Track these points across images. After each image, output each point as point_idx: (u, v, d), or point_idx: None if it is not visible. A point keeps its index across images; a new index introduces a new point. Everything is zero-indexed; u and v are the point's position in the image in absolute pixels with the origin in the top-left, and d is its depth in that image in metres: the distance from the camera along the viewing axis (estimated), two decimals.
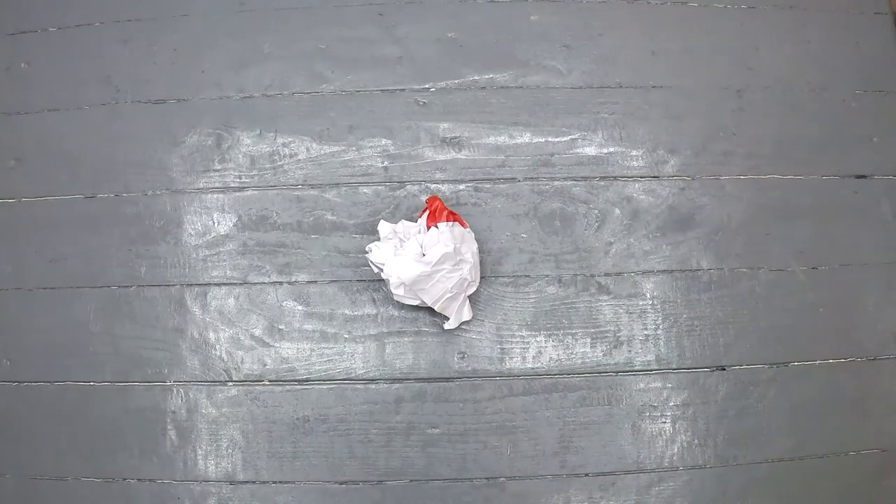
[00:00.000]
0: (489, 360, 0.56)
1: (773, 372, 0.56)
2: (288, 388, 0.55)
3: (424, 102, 0.59)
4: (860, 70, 0.61)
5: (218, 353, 0.56)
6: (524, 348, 0.56)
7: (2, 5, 0.62)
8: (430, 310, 0.55)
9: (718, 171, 0.59)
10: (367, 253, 0.55)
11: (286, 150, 0.59)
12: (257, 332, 0.56)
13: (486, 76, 0.60)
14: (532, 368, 0.56)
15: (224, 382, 0.55)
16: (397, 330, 0.56)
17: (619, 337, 0.57)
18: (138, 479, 0.54)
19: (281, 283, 0.57)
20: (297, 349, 0.56)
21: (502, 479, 0.55)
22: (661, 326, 0.57)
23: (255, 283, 0.57)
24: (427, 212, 0.54)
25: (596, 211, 0.58)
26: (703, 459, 0.55)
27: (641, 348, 0.56)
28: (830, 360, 0.57)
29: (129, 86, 0.60)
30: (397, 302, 0.55)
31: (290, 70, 0.60)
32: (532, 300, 0.57)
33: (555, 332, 0.56)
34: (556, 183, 0.59)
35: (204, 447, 0.55)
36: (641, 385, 0.56)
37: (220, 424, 0.55)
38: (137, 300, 0.57)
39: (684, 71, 0.61)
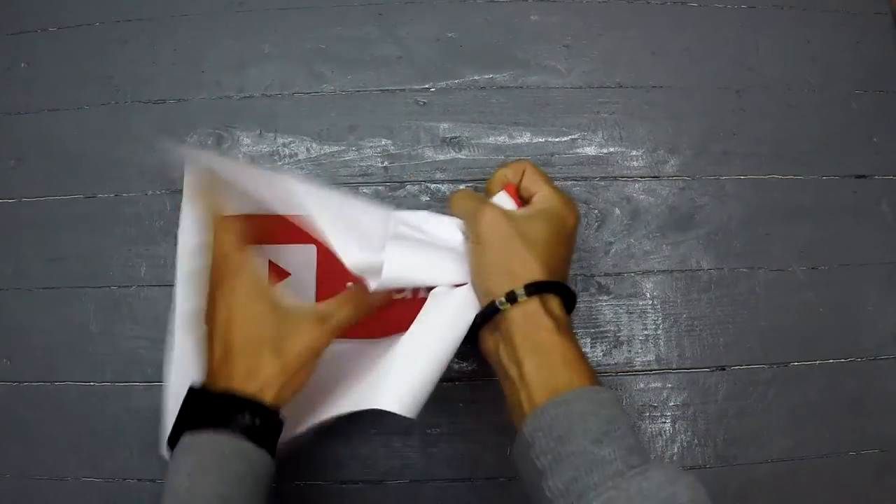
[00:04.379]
0: None
1: (773, 372, 0.56)
2: None
3: (424, 102, 0.59)
4: (860, 70, 0.61)
5: None
6: None
7: (2, 5, 0.62)
8: None
9: (718, 171, 0.59)
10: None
11: (286, 150, 0.59)
12: None
13: (486, 76, 0.60)
14: None
15: None
16: None
17: (619, 337, 0.57)
18: (138, 479, 0.54)
19: None
20: None
21: (502, 479, 0.54)
22: (661, 326, 0.57)
23: None
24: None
25: (596, 211, 0.58)
26: (703, 459, 0.55)
27: (641, 348, 0.57)
28: (830, 360, 0.57)
29: (129, 86, 0.60)
30: None
31: (290, 70, 0.60)
32: None
33: None
34: (555, 183, 0.58)
35: None
36: (641, 385, 0.56)
37: None
38: (137, 300, 0.57)
39: (684, 71, 0.61)
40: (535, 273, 0.41)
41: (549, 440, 0.37)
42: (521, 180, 0.48)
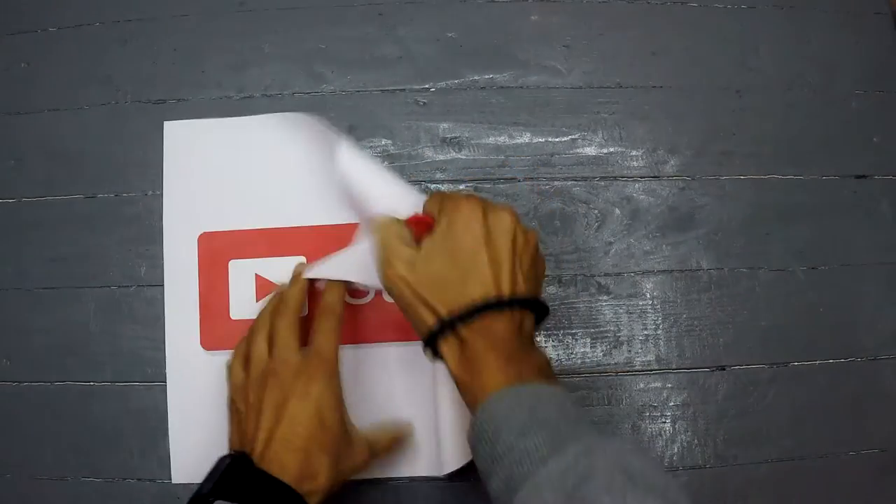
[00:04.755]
0: None
1: (773, 372, 0.56)
2: None
3: (424, 102, 0.59)
4: (860, 70, 0.61)
5: None
6: None
7: (2, 5, 0.62)
8: None
9: (718, 171, 0.59)
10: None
11: None
12: None
13: (486, 76, 0.60)
14: None
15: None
16: None
17: (619, 337, 0.57)
18: (138, 479, 0.54)
19: None
20: None
21: None
22: (661, 326, 0.57)
23: None
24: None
25: (596, 211, 0.58)
26: (703, 459, 0.55)
27: (641, 348, 0.57)
28: (830, 360, 0.57)
29: (129, 86, 0.60)
30: None
31: (290, 70, 0.60)
32: None
33: (555, 332, 0.56)
34: (556, 183, 0.59)
35: None
36: (641, 385, 0.56)
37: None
38: (137, 300, 0.57)
39: (684, 71, 0.61)
40: (437, 315, 0.42)
41: (484, 446, 0.38)
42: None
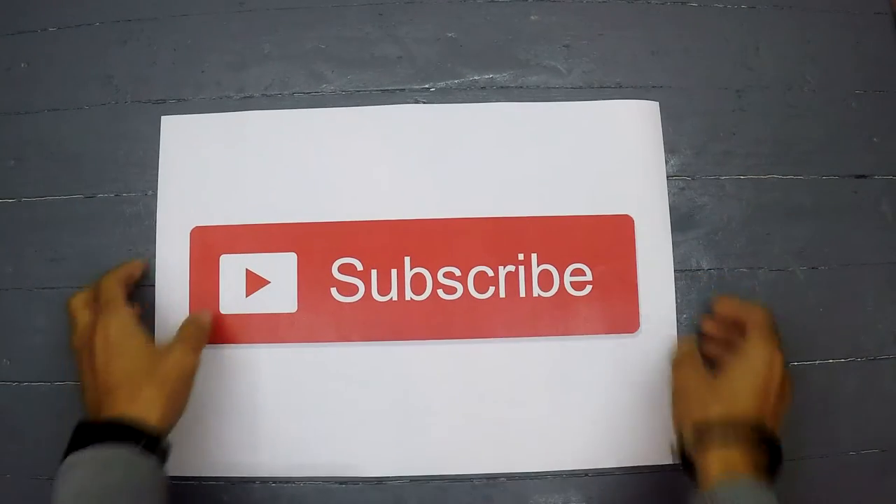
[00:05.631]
0: None
1: None
2: None
3: (424, 102, 0.59)
4: (860, 70, 0.61)
5: None
6: None
7: (2, 5, 0.62)
8: None
9: (718, 171, 0.59)
10: None
11: None
12: None
13: (486, 76, 0.60)
14: None
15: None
16: None
17: None
18: None
19: None
20: None
21: (503, 478, 0.55)
22: None
23: None
24: None
25: None
26: None
27: None
28: (830, 360, 0.57)
29: (129, 86, 0.60)
30: None
31: (290, 70, 0.60)
32: None
33: None
34: None
35: None
36: None
37: None
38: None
39: (684, 71, 0.61)
40: (736, 414, 0.47)
41: None
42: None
